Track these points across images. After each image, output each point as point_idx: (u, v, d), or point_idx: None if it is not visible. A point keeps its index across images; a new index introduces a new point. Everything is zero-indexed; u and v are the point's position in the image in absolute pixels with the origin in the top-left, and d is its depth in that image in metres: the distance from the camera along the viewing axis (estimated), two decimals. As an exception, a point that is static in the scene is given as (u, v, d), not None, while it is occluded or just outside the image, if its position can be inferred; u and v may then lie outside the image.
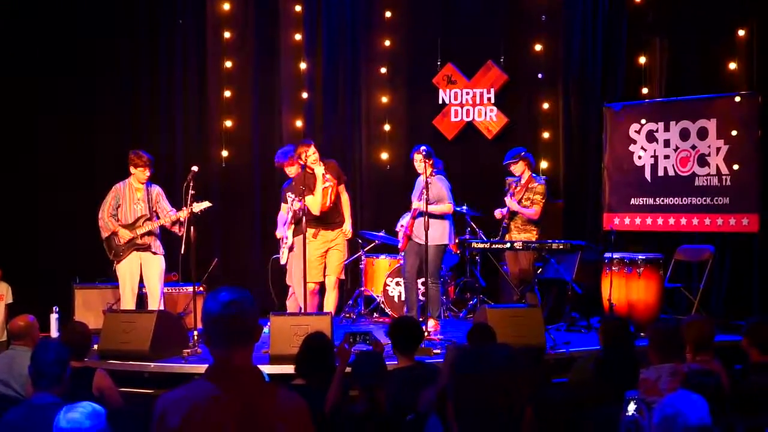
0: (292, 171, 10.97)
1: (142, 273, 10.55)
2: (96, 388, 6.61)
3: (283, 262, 11.09)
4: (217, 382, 3.40)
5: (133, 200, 10.53)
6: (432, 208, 10.50)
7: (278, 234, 11.21)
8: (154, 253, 10.56)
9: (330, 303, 10.65)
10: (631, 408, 4.29)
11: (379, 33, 13.98)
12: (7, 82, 12.54)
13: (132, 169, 10.53)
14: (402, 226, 11.09)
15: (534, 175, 11.21)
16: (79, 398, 4.94)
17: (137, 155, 10.52)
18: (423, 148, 10.60)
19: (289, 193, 10.71)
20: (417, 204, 10.46)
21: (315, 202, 10.35)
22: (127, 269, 10.50)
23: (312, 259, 10.36)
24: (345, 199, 10.74)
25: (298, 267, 10.46)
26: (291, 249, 10.84)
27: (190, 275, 10.47)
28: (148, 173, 10.53)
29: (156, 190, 10.71)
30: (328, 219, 10.54)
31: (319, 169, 10.36)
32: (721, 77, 12.43)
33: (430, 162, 10.62)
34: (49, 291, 11.76)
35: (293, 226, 10.80)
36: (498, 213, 11.23)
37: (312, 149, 10.41)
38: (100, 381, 6.69)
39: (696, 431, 3.98)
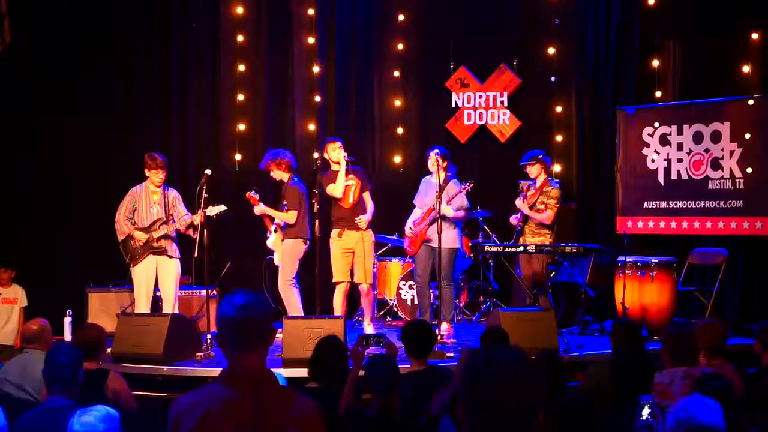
0: (275, 176, 11.02)
1: (158, 276, 10.56)
2: (110, 390, 6.61)
3: (277, 263, 11.16)
4: (232, 385, 3.41)
5: (149, 203, 10.55)
6: (456, 213, 10.73)
7: (269, 243, 11.28)
8: (170, 257, 10.58)
9: (366, 306, 10.95)
10: (645, 412, 4.29)
11: (392, 36, 13.99)
12: (19, 85, 12.57)
13: (146, 172, 10.55)
14: (411, 229, 11.08)
15: (550, 179, 11.21)
16: (92, 400, 4.95)
17: (151, 157, 10.54)
18: (436, 150, 10.63)
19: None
20: (439, 211, 10.38)
21: (337, 188, 10.58)
22: (143, 272, 10.50)
23: (337, 258, 10.66)
24: (369, 205, 10.90)
25: (284, 270, 10.81)
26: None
27: (203, 278, 10.49)
28: (162, 175, 10.54)
29: (173, 193, 10.73)
30: (352, 220, 10.64)
31: (341, 157, 10.61)
32: (734, 80, 12.39)
33: (444, 165, 10.64)
34: (63, 294, 11.79)
35: (273, 228, 10.99)
36: (513, 219, 11.23)
37: (338, 145, 10.72)
38: (114, 383, 6.69)
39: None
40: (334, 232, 10.71)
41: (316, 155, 11.65)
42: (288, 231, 10.80)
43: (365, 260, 10.70)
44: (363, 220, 10.69)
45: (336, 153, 10.62)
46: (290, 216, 10.66)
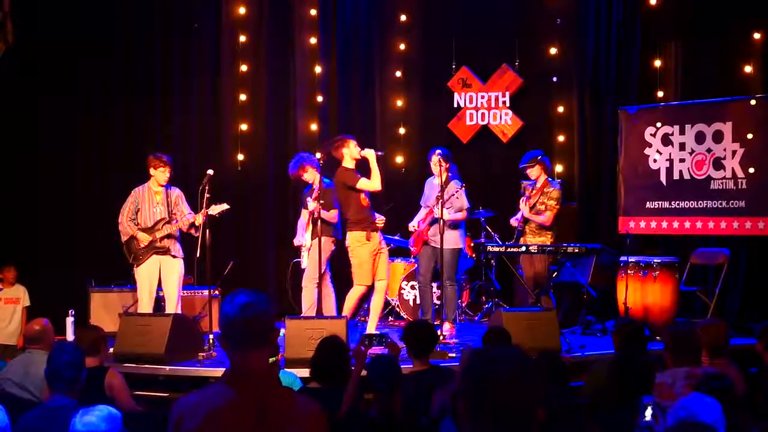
0: (308, 177, 10.95)
1: (161, 276, 10.56)
2: (107, 385, 6.67)
3: (304, 266, 11.05)
4: (234, 385, 3.41)
5: (152, 203, 10.54)
6: (454, 216, 10.67)
7: (296, 242, 11.21)
8: (174, 257, 10.57)
9: (378, 305, 10.53)
10: (648, 414, 4.29)
11: (394, 36, 14.00)
12: (19, 84, 12.57)
13: (152, 171, 10.54)
14: (414, 228, 11.08)
15: (550, 179, 11.21)
16: (92, 396, 4.95)
17: (157, 157, 10.55)
18: (439, 151, 10.62)
19: (309, 198, 10.75)
20: (441, 212, 10.34)
21: (374, 181, 10.23)
22: (146, 273, 10.51)
23: (367, 260, 10.27)
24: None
25: (312, 267, 10.65)
26: (309, 250, 10.86)
27: (205, 278, 10.50)
28: (168, 174, 10.55)
29: (176, 192, 10.73)
30: (372, 221, 10.43)
31: (370, 152, 10.32)
32: (737, 80, 12.41)
33: (447, 166, 10.65)
34: (65, 294, 11.79)
35: (310, 227, 10.84)
36: (513, 221, 11.24)
37: (354, 143, 10.47)
38: (110, 379, 6.75)
39: (707, 430, 3.99)
40: (361, 234, 10.24)
41: (318, 155, 11.66)
42: (318, 230, 10.68)
43: (386, 257, 10.62)
44: (382, 219, 10.60)
45: (357, 149, 10.39)
46: (333, 215, 10.54)
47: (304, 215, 11.06)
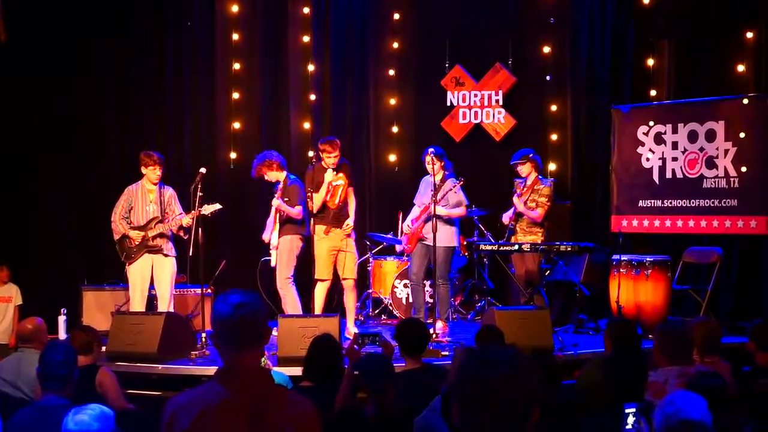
0: (272, 177, 10.90)
1: (153, 275, 10.56)
2: (97, 383, 6.70)
3: (273, 264, 10.99)
4: (227, 384, 3.42)
5: (145, 202, 10.54)
6: (451, 212, 10.68)
7: (264, 237, 11.16)
8: (166, 255, 10.56)
9: (351, 304, 10.90)
10: (630, 420, 4.31)
11: (388, 35, 13.98)
12: (15, 83, 12.51)
13: (143, 169, 10.54)
14: (408, 227, 11.07)
15: (540, 177, 11.22)
16: (85, 396, 4.94)
17: (147, 155, 10.53)
18: (431, 149, 10.62)
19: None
20: (434, 210, 10.37)
21: (317, 200, 10.51)
22: (138, 271, 10.50)
23: (323, 255, 10.61)
24: (352, 201, 10.82)
25: (281, 269, 10.70)
26: (276, 249, 10.86)
27: (198, 277, 10.49)
28: (159, 172, 10.53)
29: (169, 192, 10.73)
30: (339, 218, 10.64)
31: (329, 174, 10.54)
32: (730, 79, 12.43)
33: (441, 164, 10.65)
34: (58, 292, 11.78)
35: (277, 226, 10.81)
36: (505, 218, 11.24)
37: (336, 153, 10.59)
38: (100, 377, 6.79)
39: (695, 426, 4.00)
40: (320, 228, 10.61)
41: (311, 153, 11.64)
42: (286, 228, 10.71)
43: (352, 256, 10.77)
44: (350, 226, 10.74)
45: (331, 160, 10.60)
46: (297, 211, 10.57)
47: (273, 212, 11.05)
